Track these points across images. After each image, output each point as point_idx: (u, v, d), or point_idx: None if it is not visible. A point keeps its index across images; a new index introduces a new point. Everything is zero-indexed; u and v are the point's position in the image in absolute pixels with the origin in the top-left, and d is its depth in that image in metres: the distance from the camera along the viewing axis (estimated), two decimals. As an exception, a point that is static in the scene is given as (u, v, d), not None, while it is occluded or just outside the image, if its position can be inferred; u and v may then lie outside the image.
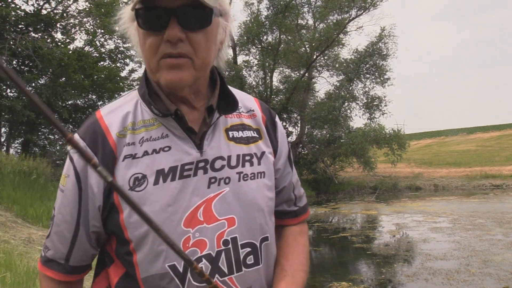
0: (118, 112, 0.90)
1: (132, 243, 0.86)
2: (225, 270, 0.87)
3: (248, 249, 0.90)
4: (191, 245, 0.85)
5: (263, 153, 0.97)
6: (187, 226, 0.85)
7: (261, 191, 0.94)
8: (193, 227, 0.85)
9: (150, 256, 0.85)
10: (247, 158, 0.94)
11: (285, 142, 1.06)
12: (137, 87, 0.97)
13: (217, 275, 0.86)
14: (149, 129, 0.88)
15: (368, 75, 24.24)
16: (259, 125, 1.00)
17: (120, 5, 16.80)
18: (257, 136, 0.98)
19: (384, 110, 24.24)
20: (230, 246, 0.88)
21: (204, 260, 0.85)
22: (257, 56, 25.44)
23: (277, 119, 1.05)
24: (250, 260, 0.90)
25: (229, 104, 0.94)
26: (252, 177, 0.93)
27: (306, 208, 1.11)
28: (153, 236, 0.83)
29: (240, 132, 0.96)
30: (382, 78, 23.81)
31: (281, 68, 25.88)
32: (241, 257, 0.89)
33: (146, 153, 0.86)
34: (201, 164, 0.88)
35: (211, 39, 0.85)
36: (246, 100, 1.03)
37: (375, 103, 24.24)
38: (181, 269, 0.84)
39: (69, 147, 0.92)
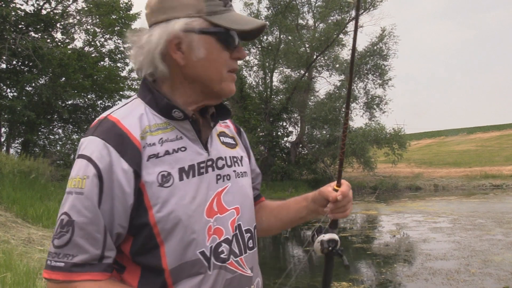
0: (133, 116, 0.96)
1: (160, 236, 0.92)
2: (237, 251, 1.02)
3: (249, 234, 1.07)
4: (212, 233, 0.97)
5: (242, 157, 1.14)
6: (208, 216, 0.97)
7: (249, 187, 1.13)
8: (212, 216, 0.98)
9: (181, 245, 0.93)
10: (235, 160, 1.10)
11: (250, 148, 1.26)
12: (134, 97, 1.04)
13: (232, 256, 1.00)
14: (165, 131, 0.98)
15: (369, 76, 24.24)
16: (233, 134, 1.18)
17: (121, 5, 16.81)
18: (234, 143, 1.15)
19: (384, 109, 24.25)
20: (237, 231, 1.03)
21: (224, 244, 0.99)
22: (257, 56, 25.45)
23: (241, 129, 1.25)
24: (250, 243, 1.07)
25: (224, 112, 1.10)
26: (242, 175, 1.10)
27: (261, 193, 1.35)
28: (183, 226, 0.93)
29: (225, 138, 1.13)
30: (383, 79, 23.81)
31: (281, 68, 25.90)
32: (246, 241, 1.05)
33: (167, 152, 0.95)
34: (209, 163, 1.01)
35: None
36: None
37: (375, 102, 24.26)
38: (208, 254, 0.96)
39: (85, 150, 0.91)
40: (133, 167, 0.90)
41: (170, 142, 0.96)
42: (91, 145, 0.90)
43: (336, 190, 1.14)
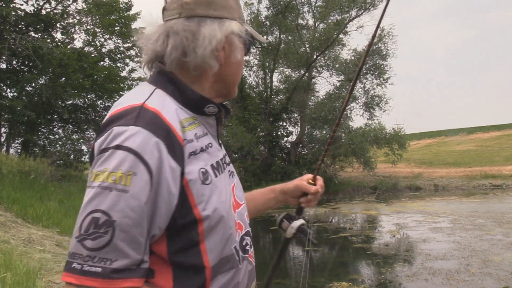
0: (170, 109, 0.91)
1: (204, 234, 0.89)
2: (250, 244, 1.05)
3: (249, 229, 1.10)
4: (238, 227, 0.99)
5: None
6: (234, 211, 0.99)
7: None
8: (235, 211, 1.00)
9: (222, 241, 0.92)
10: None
11: None
12: (151, 86, 0.96)
13: (251, 248, 1.05)
14: (195, 126, 0.95)
15: (368, 76, 24.24)
16: None
17: (121, 5, 16.80)
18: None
19: (384, 108, 24.27)
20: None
21: (246, 237, 1.02)
22: (257, 56, 25.45)
23: None
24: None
25: (227, 111, 1.09)
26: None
27: None
28: (224, 223, 0.92)
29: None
30: (382, 78, 23.82)
31: (281, 68, 25.91)
32: (250, 233, 1.09)
33: (201, 149, 0.93)
34: (224, 159, 1.03)
35: None
36: None
37: (375, 101, 24.26)
38: (238, 248, 0.97)
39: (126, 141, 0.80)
40: (180, 165, 0.85)
41: (201, 138, 0.94)
42: (137, 137, 0.81)
43: (312, 184, 1.29)
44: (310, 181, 1.30)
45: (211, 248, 0.90)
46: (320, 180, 1.31)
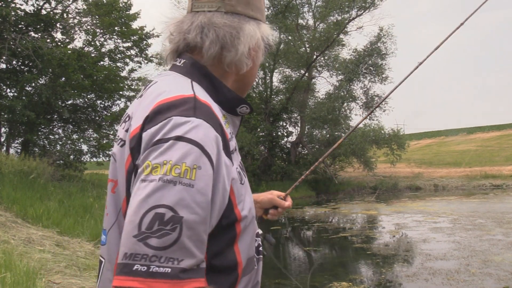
0: (215, 104, 0.88)
1: (239, 234, 0.87)
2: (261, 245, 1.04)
3: None
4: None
5: None
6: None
7: None
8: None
9: (251, 242, 0.93)
10: None
11: None
12: (186, 80, 0.91)
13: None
14: (228, 125, 0.92)
15: (367, 75, 24.26)
16: None
17: (120, 4, 16.80)
18: None
19: (384, 107, 24.28)
20: None
21: (257, 239, 1.01)
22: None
23: None
24: None
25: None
26: None
27: None
28: (253, 223, 0.93)
29: None
30: (381, 77, 23.84)
31: (281, 68, 25.90)
32: None
33: (235, 149, 0.91)
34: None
35: None
36: None
37: (375, 101, 24.25)
38: (257, 249, 0.98)
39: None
40: (231, 162, 0.84)
41: (233, 137, 0.93)
42: (200, 130, 0.76)
43: (282, 199, 1.36)
44: (281, 196, 1.37)
45: (243, 249, 0.89)
46: (289, 198, 1.38)
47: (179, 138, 0.75)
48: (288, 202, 1.37)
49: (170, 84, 0.88)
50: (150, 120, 0.80)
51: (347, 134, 1.49)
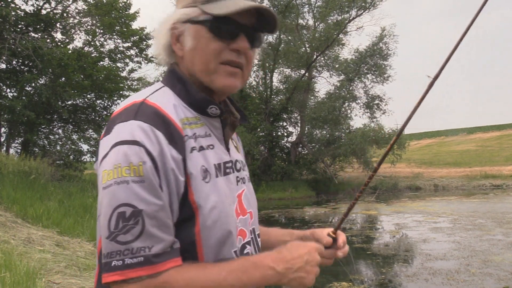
0: (170, 105, 0.91)
1: (200, 233, 0.88)
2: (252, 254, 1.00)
3: (259, 239, 1.06)
4: (239, 234, 0.95)
5: (245, 162, 1.12)
6: (236, 216, 0.96)
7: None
8: (238, 217, 0.96)
9: (219, 244, 0.91)
10: (243, 164, 1.09)
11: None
12: (159, 84, 0.97)
13: None
14: (196, 126, 0.93)
15: (368, 75, 24.27)
16: (235, 139, 1.15)
17: (120, 4, 16.81)
18: (239, 147, 1.14)
19: (384, 109, 24.28)
20: (253, 235, 1.02)
21: (248, 246, 0.98)
22: (257, 56, 25.41)
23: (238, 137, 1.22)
24: (260, 249, 1.05)
25: (243, 117, 1.07)
26: (250, 181, 1.09)
27: None
28: (221, 224, 0.90)
29: (234, 142, 1.10)
30: (382, 77, 23.84)
31: (281, 68, 25.90)
32: (260, 245, 1.05)
33: (201, 148, 0.92)
34: (230, 164, 0.99)
35: (254, 59, 1.02)
36: None
37: (375, 102, 24.28)
38: (238, 254, 0.94)
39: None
40: (182, 155, 0.86)
41: (201, 138, 0.92)
42: (136, 130, 0.82)
43: (332, 237, 1.10)
44: (331, 233, 1.12)
45: (207, 249, 0.88)
46: (342, 237, 1.12)
47: (122, 143, 0.82)
48: (342, 247, 1.10)
49: (134, 94, 0.95)
50: (105, 129, 0.88)
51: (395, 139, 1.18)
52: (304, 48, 24.22)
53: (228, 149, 1.00)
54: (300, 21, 25.26)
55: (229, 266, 0.87)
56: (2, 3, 12.38)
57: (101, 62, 17.88)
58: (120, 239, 0.79)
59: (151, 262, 0.79)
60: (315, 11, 24.90)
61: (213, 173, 0.91)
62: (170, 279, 0.81)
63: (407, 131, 31.53)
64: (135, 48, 17.84)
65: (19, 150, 15.40)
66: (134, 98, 0.90)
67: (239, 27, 0.93)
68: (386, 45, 23.69)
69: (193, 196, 0.87)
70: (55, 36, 15.75)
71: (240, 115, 1.06)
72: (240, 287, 0.86)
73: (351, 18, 23.27)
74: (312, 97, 26.14)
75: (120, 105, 0.92)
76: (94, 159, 1.03)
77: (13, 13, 12.93)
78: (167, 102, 0.91)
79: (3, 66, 14.38)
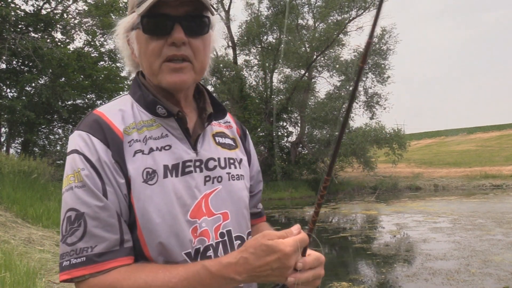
0: (118, 112, 0.95)
1: (143, 234, 0.90)
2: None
3: (239, 242, 1.00)
4: (199, 234, 0.93)
5: (240, 159, 1.08)
6: (193, 217, 0.93)
7: (245, 191, 1.06)
8: (199, 218, 0.94)
9: (165, 245, 0.90)
10: (231, 161, 1.05)
11: (255, 154, 1.19)
12: (126, 92, 1.04)
13: None
14: (150, 129, 0.95)
15: (368, 74, 24.25)
16: (235, 135, 1.12)
17: (120, 4, 16.81)
18: (234, 144, 1.10)
19: (384, 105, 24.28)
20: (226, 238, 0.97)
21: (211, 249, 0.94)
22: (257, 56, 25.44)
23: (247, 132, 1.19)
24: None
25: (219, 112, 1.06)
26: (238, 178, 1.04)
27: (263, 210, 1.26)
28: (166, 226, 0.89)
29: (223, 138, 1.07)
30: (382, 77, 23.85)
31: (281, 68, 25.90)
32: (235, 248, 0.97)
33: (151, 150, 0.93)
34: (197, 163, 0.97)
35: (207, 46, 0.97)
36: None
37: (375, 100, 24.28)
38: (193, 255, 0.92)
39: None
40: (116, 159, 0.89)
41: (154, 140, 0.93)
42: (76, 140, 0.90)
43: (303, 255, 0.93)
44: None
45: (153, 251, 0.89)
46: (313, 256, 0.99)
47: (69, 153, 0.90)
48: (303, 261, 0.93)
49: None
50: None
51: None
52: (304, 48, 24.22)
53: (195, 148, 0.97)
54: (300, 21, 25.27)
55: (183, 272, 0.84)
56: (2, 3, 12.38)
57: (101, 62, 17.88)
58: (68, 241, 0.85)
59: (93, 261, 0.83)
60: (315, 11, 24.90)
61: (161, 174, 0.91)
62: (116, 283, 0.83)
63: (407, 131, 31.58)
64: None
65: (19, 150, 15.40)
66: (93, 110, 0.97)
67: (171, 19, 0.90)
68: (386, 45, 23.69)
69: (133, 199, 0.89)
70: (55, 36, 15.76)
71: (219, 110, 1.05)
72: None
73: (351, 18, 23.27)
74: (312, 97, 26.14)
75: None
76: None
77: (13, 13, 12.92)
78: (115, 109, 0.96)
79: (3, 66, 14.38)
